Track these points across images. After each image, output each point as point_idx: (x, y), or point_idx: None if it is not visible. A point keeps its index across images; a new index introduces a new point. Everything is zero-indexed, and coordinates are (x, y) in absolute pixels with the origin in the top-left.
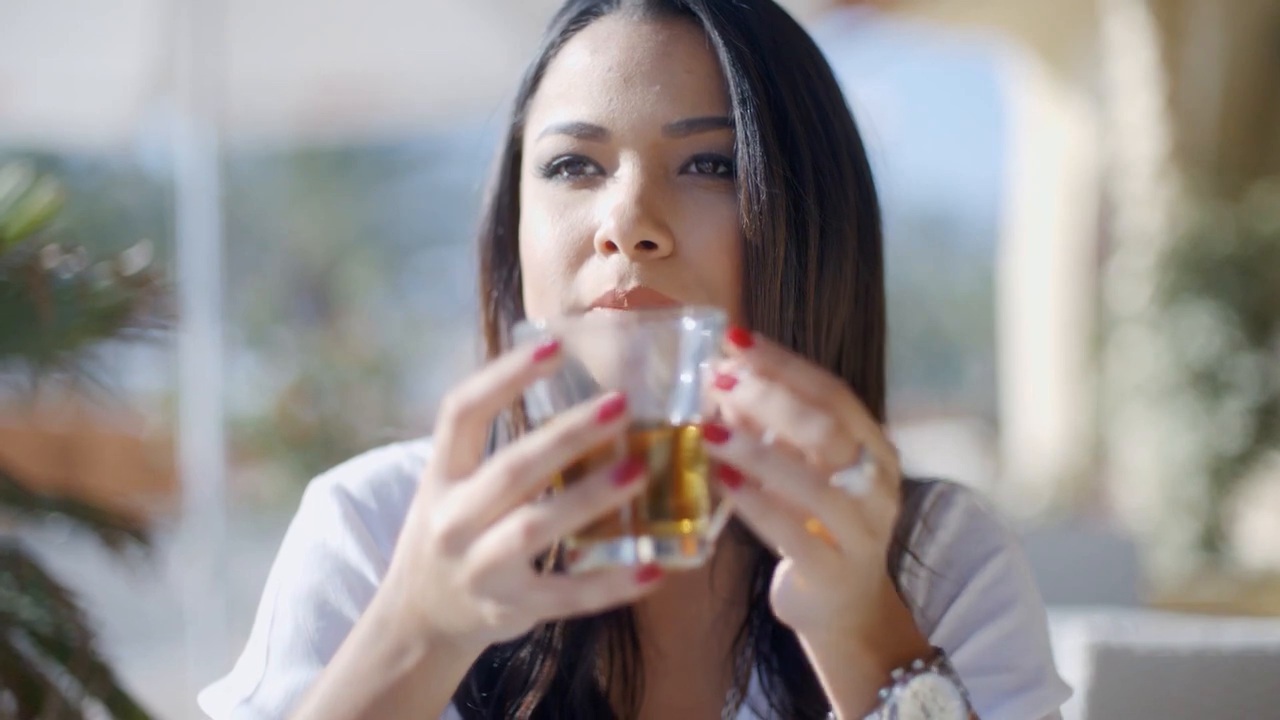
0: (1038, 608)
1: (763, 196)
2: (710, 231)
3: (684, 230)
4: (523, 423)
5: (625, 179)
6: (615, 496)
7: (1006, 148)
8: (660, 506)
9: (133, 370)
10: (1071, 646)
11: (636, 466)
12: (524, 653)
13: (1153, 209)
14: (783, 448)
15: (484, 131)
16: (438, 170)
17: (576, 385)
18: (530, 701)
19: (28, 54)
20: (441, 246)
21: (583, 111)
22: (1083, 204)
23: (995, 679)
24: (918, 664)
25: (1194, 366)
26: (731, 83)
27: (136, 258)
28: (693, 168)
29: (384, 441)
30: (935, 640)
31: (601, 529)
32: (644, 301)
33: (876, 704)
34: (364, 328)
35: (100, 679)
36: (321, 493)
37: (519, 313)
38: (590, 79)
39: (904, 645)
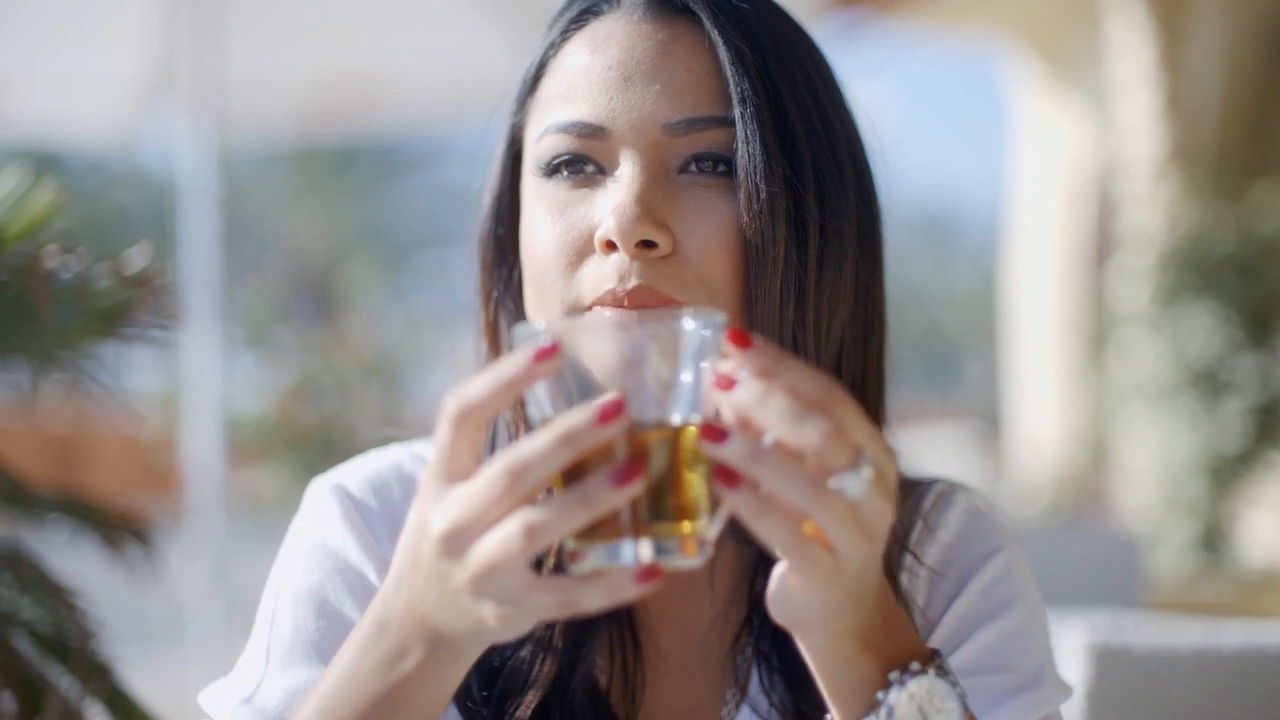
0: (1038, 608)
1: (762, 195)
2: (710, 230)
3: (684, 229)
4: (523, 423)
5: (625, 178)
6: (615, 497)
7: (1006, 148)
8: (660, 507)
9: (133, 370)
10: (1071, 646)
11: (636, 467)
12: (524, 652)
13: (1153, 209)
14: (781, 449)
15: (484, 131)
16: (438, 170)
17: (576, 386)
18: (530, 701)
19: (28, 54)
20: (441, 246)
21: (583, 111)
22: (1083, 204)
23: (995, 679)
24: (914, 666)
25: (1194, 366)
26: (731, 82)
27: (136, 258)
28: (692, 167)
29: (384, 441)
30: (935, 640)
31: (601, 530)
32: (644, 300)
33: (873, 706)
34: (364, 328)
35: (100, 679)
36: (322, 492)
37: (519, 312)
38: (590, 78)
39: (901, 647)
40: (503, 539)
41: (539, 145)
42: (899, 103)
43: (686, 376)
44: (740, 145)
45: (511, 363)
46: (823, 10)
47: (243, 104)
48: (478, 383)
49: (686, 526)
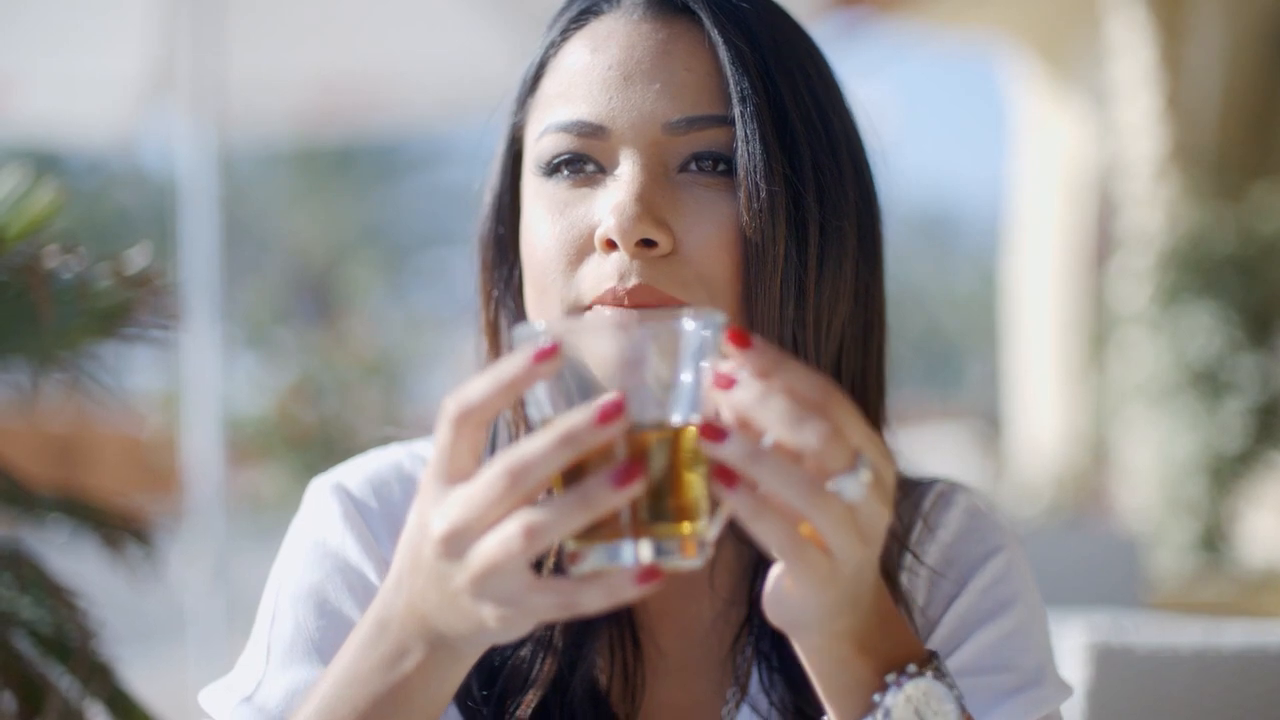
0: (1038, 607)
1: (762, 194)
2: (710, 229)
3: (684, 228)
4: (523, 423)
5: (625, 177)
6: (615, 498)
7: (1006, 148)
8: (660, 508)
9: (133, 370)
10: (1072, 646)
11: (636, 468)
12: (524, 651)
13: (1153, 209)
14: (780, 451)
15: (484, 131)
16: (438, 170)
17: (576, 386)
18: (531, 700)
19: (28, 54)
20: (441, 246)
21: (583, 110)
22: (1083, 204)
23: (995, 678)
24: (911, 668)
25: (1194, 366)
26: (731, 81)
27: (137, 258)
28: (692, 165)
29: (384, 441)
30: (935, 639)
31: (601, 531)
32: (644, 299)
33: (870, 709)
34: (364, 328)
35: (101, 679)
36: (322, 491)
37: (519, 312)
38: (590, 77)
39: (897, 649)
40: (503, 540)
41: (539, 144)
42: (899, 103)
43: (686, 377)
44: (740, 144)
45: (511, 364)
46: (823, 10)
47: (243, 104)
48: (478, 384)
49: (686, 527)
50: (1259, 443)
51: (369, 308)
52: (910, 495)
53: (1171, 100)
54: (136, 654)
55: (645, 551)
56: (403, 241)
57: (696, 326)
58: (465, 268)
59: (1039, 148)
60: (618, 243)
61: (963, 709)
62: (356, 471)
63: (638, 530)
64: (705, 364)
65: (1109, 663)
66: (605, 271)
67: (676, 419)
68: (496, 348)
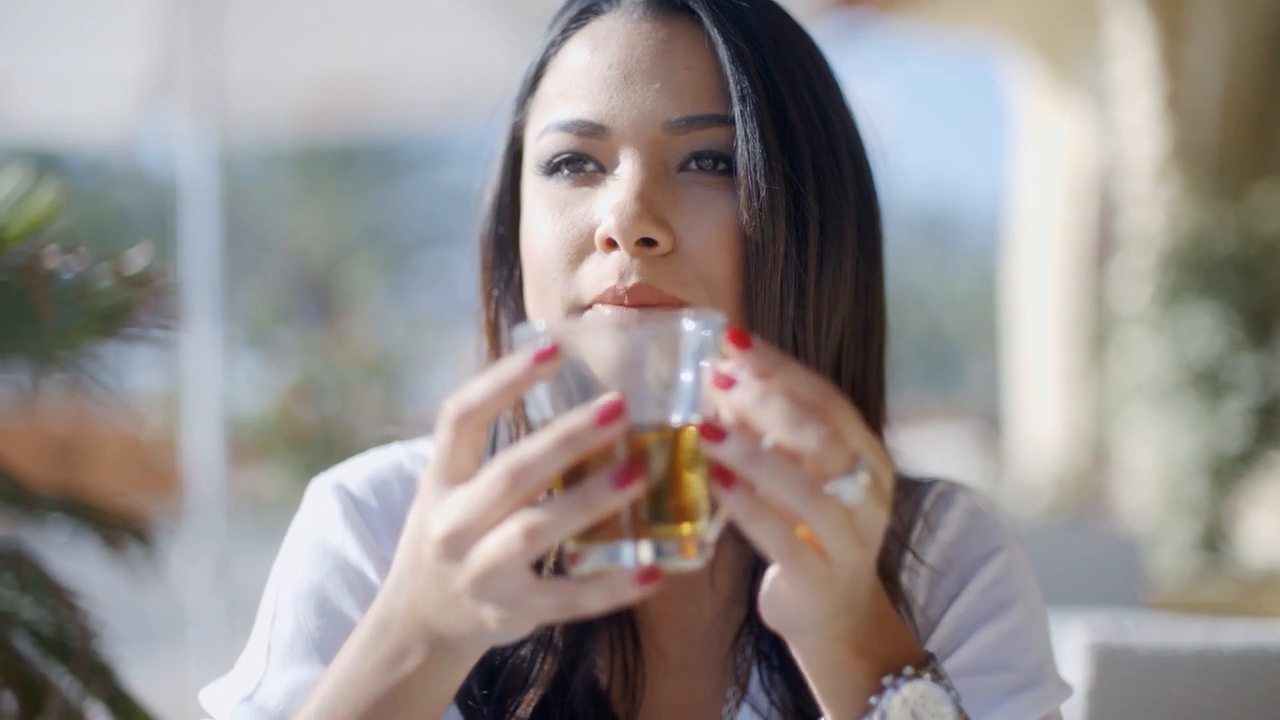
0: (1038, 607)
1: (762, 193)
2: (710, 228)
3: (684, 227)
4: (523, 424)
5: (625, 176)
6: (615, 499)
7: (1007, 148)
8: (660, 509)
9: (133, 370)
10: (1072, 646)
11: (636, 469)
12: (525, 651)
13: (1153, 209)
14: (778, 452)
15: (484, 131)
16: (438, 170)
17: (577, 387)
18: (531, 699)
19: (28, 54)
20: (442, 246)
21: (583, 109)
22: (1083, 204)
23: (995, 678)
24: (908, 670)
25: (1195, 366)
26: (731, 80)
27: (137, 258)
28: (692, 165)
29: (385, 440)
30: (936, 639)
31: (601, 531)
32: (644, 298)
33: (866, 711)
34: (365, 328)
35: (101, 679)
36: (322, 491)
37: (520, 311)
38: (590, 77)
39: (895, 652)
40: (503, 541)
41: (539, 144)
42: (899, 103)
43: (686, 377)
44: (740, 143)
45: (511, 364)
46: (823, 10)
47: (243, 104)
48: (478, 385)
49: (686, 528)
50: (1260, 443)
51: (370, 308)
52: (911, 495)
53: (1172, 100)
54: (137, 654)
55: (645, 552)
56: (403, 241)
57: (696, 327)
58: (465, 268)
59: (1039, 148)
60: (618, 242)
61: (960, 711)
62: (357, 471)
63: (638, 531)
64: (705, 364)
65: (1109, 663)
66: (605, 270)
67: (676, 419)
68: (497, 347)
